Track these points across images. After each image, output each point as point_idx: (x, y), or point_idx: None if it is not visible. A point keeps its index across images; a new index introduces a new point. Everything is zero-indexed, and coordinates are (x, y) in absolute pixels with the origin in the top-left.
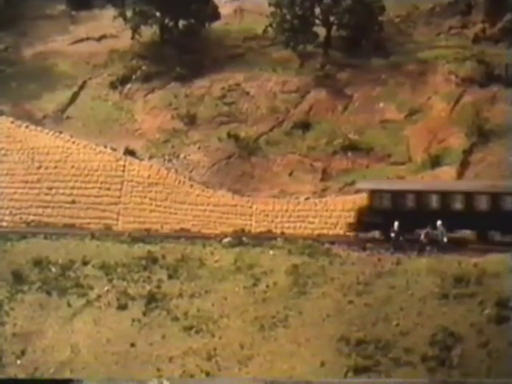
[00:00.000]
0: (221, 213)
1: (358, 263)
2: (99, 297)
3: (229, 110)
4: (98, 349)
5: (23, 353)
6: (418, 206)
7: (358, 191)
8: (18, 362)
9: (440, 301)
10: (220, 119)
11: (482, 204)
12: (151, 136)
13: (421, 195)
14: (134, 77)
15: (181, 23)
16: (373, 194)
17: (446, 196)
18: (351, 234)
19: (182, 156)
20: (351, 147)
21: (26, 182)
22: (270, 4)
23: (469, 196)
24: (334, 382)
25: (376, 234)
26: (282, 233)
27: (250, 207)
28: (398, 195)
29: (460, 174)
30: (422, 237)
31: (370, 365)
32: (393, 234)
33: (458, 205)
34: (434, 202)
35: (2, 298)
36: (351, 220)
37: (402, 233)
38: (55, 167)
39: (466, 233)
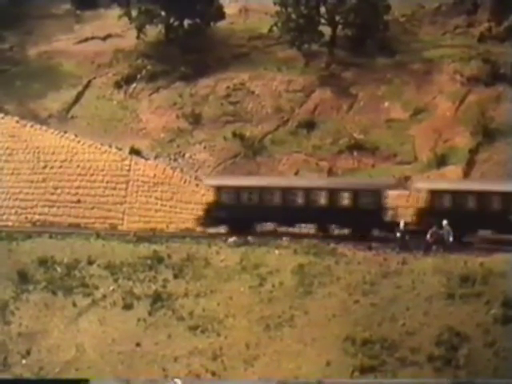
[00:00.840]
0: None
1: (363, 263)
2: (105, 296)
3: (234, 110)
4: (104, 348)
5: (28, 352)
6: (262, 201)
7: None
8: (24, 361)
9: (446, 301)
10: (225, 118)
11: (322, 199)
12: (156, 135)
13: (264, 191)
14: (138, 76)
15: (186, 23)
16: (219, 190)
17: (287, 192)
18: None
19: (187, 155)
20: (357, 146)
21: (32, 181)
22: (275, 3)
23: (308, 192)
24: (341, 383)
25: (222, 229)
26: (288, 232)
27: None
28: (242, 191)
29: (466, 174)
30: (428, 236)
31: (375, 364)
32: (398, 234)
33: (299, 200)
34: (277, 197)
35: (8, 298)
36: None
37: (406, 232)
38: (60, 167)
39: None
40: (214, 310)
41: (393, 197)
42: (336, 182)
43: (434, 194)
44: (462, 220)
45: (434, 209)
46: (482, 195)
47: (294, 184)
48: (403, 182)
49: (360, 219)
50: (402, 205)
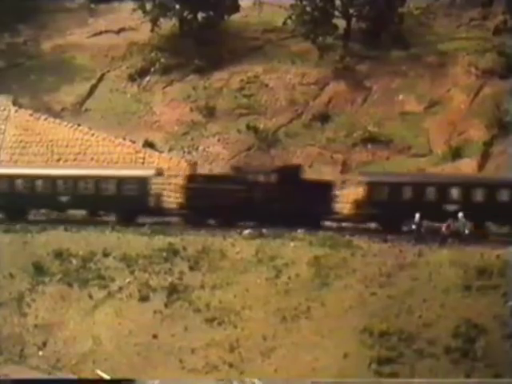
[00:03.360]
0: None
1: (379, 255)
2: (121, 288)
3: (248, 102)
4: (120, 340)
5: (45, 344)
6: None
7: None
8: (40, 353)
9: (463, 293)
10: (239, 111)
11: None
12: (170, 128)
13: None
14: (152, 69)
15: (200, 15)
16: None
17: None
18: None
19: (201, 148)
20: (371, 139)
21: None
22: None
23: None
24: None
25: None
26: None
27: None
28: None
29: (481, 166)
30: (444, 228)
31: (393, 356)
32: (414, 226)
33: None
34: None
35: (24, 290)
36: None
37: (422, 224)
38: (74, 159)
39: None
40: (230, 302)
41: None
42: None
43: None
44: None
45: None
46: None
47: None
48: None
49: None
50: None
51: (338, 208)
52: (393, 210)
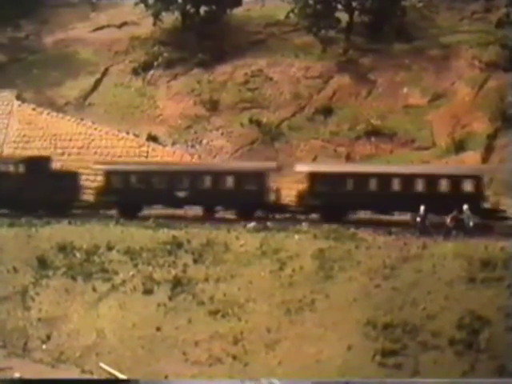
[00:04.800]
0: None
1: (384, 247)
2: (124, 282)
3: (251, 96)
4: (124, 333)
5: (49, 337)
6: None
7: None
8: (44, 346)
9: (467, 285)
10: (243, 105)
11: None
12: (174, 122)
13: None
14: (156, 63)
15: (202, 9)
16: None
17: None
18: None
19: (204, 142)
20: (374, 132)
21: None
22: None
23: None
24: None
25: None
26: (307, 217)
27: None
28: None
29: (485, 159)
30: (448, 221)
31: (397, 348)
32: (418, 219)
33: None
34: None
35: (28, 284)
36: None
37: (427, 217)
38: (78, 153)
39: None
40: (234, 295)
41: None
42: None
43: None
44: None
45: None
46: None
47: None
48: None
49: None
50: None
51: (84, 196)
52: (128, 197)
